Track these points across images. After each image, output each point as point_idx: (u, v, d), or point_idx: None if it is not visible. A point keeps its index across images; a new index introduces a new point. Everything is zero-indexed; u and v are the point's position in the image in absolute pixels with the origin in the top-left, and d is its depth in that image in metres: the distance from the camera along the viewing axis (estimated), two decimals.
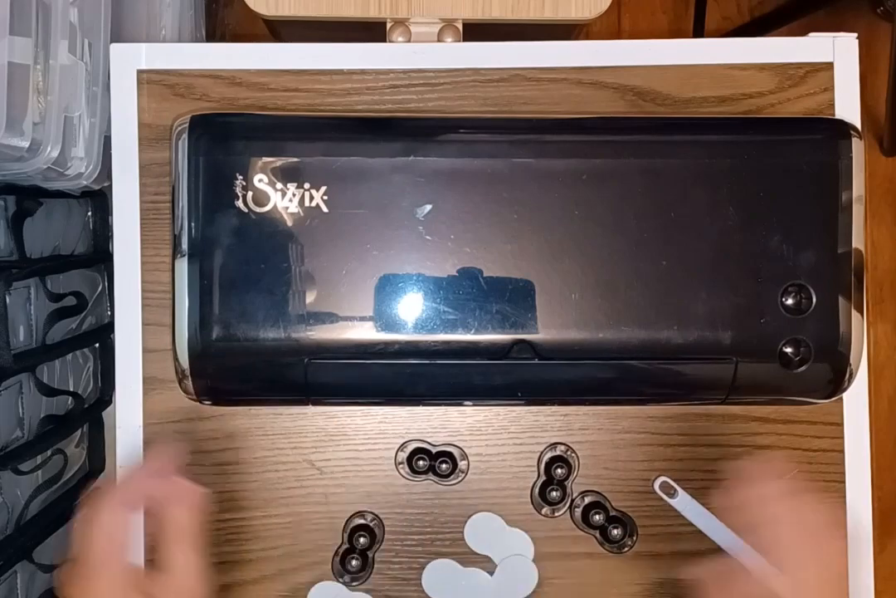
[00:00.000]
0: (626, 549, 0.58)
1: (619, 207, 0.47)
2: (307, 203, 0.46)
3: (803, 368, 0.47)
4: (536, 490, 0.58)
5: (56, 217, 0.84)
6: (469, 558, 0.58)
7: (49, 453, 0.81)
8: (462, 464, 0.57)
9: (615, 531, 0.57)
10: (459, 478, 0.58)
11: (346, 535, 0.57)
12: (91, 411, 0.88)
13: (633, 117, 0.55)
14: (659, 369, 0.48)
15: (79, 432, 0.88)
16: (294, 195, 0.46)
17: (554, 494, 0.57)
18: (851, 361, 0.48)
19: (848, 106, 0.58)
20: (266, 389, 0.49)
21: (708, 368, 0.48)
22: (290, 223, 0.46)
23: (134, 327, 0.56)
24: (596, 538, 0.58)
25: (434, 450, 0.58)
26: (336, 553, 0.58)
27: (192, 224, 0.46)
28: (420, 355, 0.47)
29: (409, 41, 0.68)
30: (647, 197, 0.47)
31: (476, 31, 0.69)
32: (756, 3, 1.37)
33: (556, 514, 0.58)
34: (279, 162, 0.47)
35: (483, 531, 0.58)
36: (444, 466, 0.57)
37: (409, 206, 0.46)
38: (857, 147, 0.49)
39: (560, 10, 0.69)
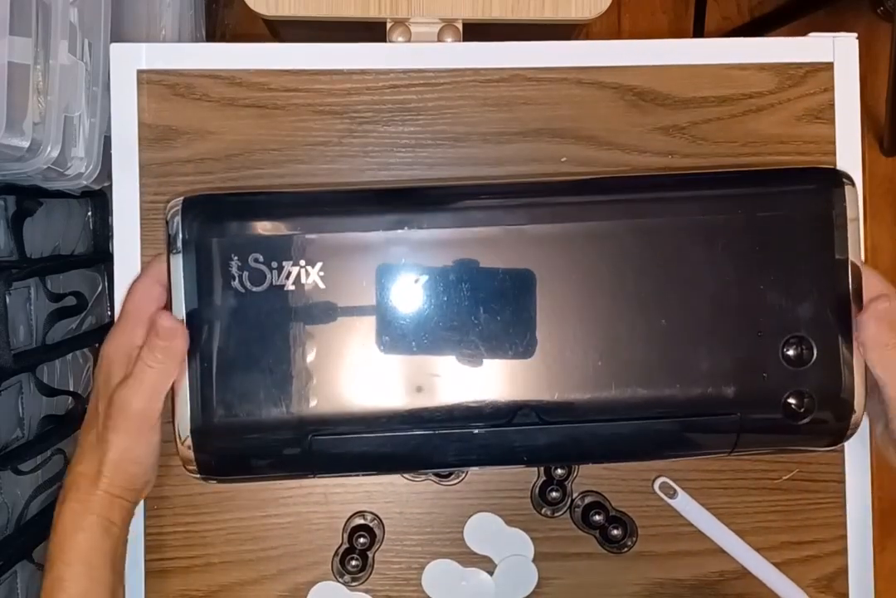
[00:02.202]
0: (625, 549, 0.58)
1: (617, 267, 0.48)
2: (304, 280, 0.46)
3: (807, 419, 0.47)
4: (536, 490, 0.58)
5: (56, 217, 0.84)
6: (469, 558, 0.58)
7: (49, 453, 0.81)
8: None
9: (615, 532, 0.57)
10: (459, 478, 0.58)
11: (345, 535, 0.57)
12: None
13: (625, 177, 0.55)
14: (664, 427, 0.48)
15: (79, 432, 0.88)
16: (290, 273, 0.46)
17: (554, 494, 0.57)
18: (855, 408, 0.48)
19: (848, 106, 0.58)
20: (271, 466, 0.49)
21: (713, 423, 0.48)
22: (286, 301, 0.46)
23: None
24: (596, 538, 0.58)
25: None
26: (336, 553, 0.58)
27: (189, 306, 0.46)
28: (423, 426, 0.47)
29: (409, 41, 0.68)
30: (643, 257, 0.48)
31: (476, 31, 0.69)
32: (756, 3, 1.37)
33: (556, 514, 0.58)
34: (273, 241, 0.47)
35: (483, 532, 0.58)
36: None
37: (407, 279, 0.47)
38: (851, 196, 0.49)
39: (560, 10, 0.69)
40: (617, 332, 0.47)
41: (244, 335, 0.46)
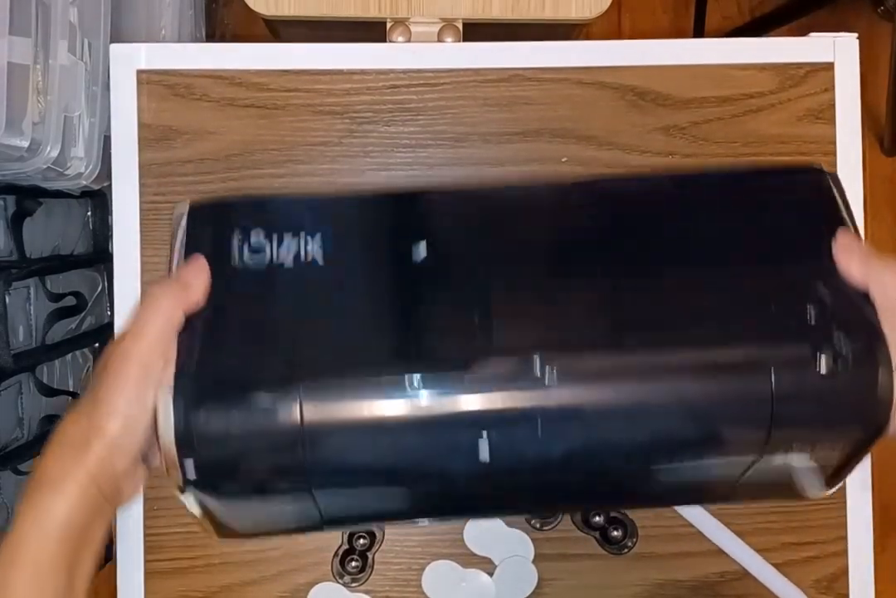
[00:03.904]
0: (626, 550, 0.58)
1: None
2: (303, 256, 0.46)
3: (842, 371, 0.44)
4: None
5: (56, 217, 0.84)
6: (469, 559, 0.58)
7: None
8: None
9: (615, 533, 0.57)
10: None
11: (345, 536, 0.57)
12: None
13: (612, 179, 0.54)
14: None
15: None
16: (290, 248, 0.46)
17: None
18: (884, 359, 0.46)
19: (848, 106, 0.58)
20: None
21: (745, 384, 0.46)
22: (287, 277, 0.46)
23: None
24: (596, 539, 0.58)
25: None
26: (336, 554, 0.57)
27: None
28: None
29: (409, 41, 0.68)
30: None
31: (476, 31, 0.69)
32: (756, 3, 1.37)
33: (545, 528, 0.58)
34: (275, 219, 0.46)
35: (483, 533, 0.58)
36: None
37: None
38: (837, 182, 0.49)
39: (560, 10, 0.69)
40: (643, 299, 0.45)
41: (242, 307, 0.45)
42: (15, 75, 0.63)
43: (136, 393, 0.40)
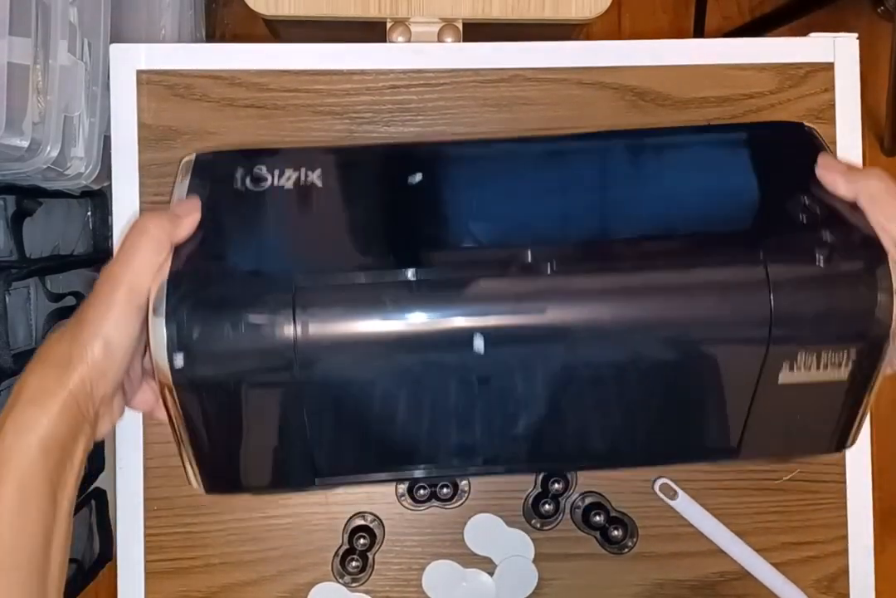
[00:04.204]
0: (626, 550, 0.58)
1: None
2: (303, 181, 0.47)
3: (836, 260, 0.43)
4: (530, 501, 0.58)
5: (56, 217, 0.84)
6: (469, 559, 0.58)
7: None
8: (463, 484, 0.57)
9: (616, 532, 0.57)
10: (462, 499, 0.57)
11: (346, 536, 0.57)
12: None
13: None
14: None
15: None
16: (290, 177, 0.47)
17: (547, 507, 0.57)
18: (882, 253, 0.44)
19: (848, 106, 0.58)
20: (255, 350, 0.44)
21: (742, 274, 0.45)
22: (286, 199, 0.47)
23: None
24: (596, 538, 0.58)
25: None
26: (336, 554, 0.58)
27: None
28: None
29: (409, 41, 0.68)
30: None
31: (476, 31, 0.69)
32: (756, 3, 1.37)
33: (546, 528, 0.58)
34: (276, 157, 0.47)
35: (483, 532, 0.58)
36: (444, 490, 0.57)
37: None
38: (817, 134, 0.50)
39: (560, 10, 0.69)
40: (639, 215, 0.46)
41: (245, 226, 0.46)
42: (15, 75, 0.63)
43: (122, 317, 0.40)
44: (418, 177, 0.47)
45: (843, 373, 0.44)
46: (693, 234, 0.45)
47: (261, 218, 0.46)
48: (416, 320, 0.42)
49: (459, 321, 0.42)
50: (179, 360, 0.41)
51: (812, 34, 0.59)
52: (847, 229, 0.44)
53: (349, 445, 0.47)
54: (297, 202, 0.46)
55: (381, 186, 0.48)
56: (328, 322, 0.42)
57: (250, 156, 0.48)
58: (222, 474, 0.46)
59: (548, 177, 0.48)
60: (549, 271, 0.42)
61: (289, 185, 0.47)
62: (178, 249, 0.43)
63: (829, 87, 0.58)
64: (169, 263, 0.42)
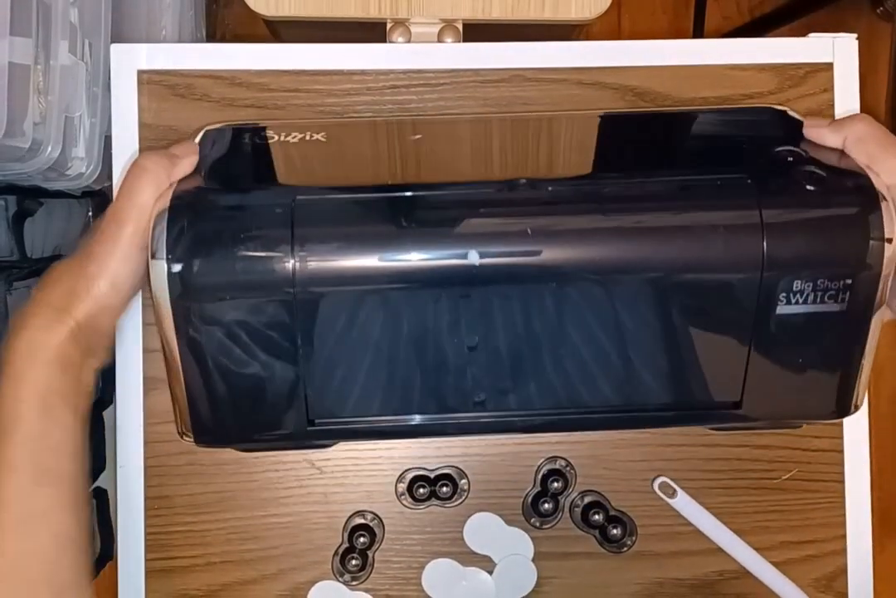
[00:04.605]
0: (625, 549, 0.58)
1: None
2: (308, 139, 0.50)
3: (824, 183, 0.44)
4: (529, 500, 0.58)
5: (57, 217, 0.84)
6: (469, 557, 0.58)
7: None
8: (462, 483, 0.57)
9: (615, 531, 0.57)
10: (462, 498, 0.58)
11: (345, 534, 0.58)
12: (91, 411, 0.88)
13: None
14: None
15: None
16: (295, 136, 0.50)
17: (546, 506, 0.57)
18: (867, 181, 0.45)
19: (848, 106, 0.59)
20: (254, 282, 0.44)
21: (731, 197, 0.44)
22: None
23: (134, 328, 0.56)
24: (595, 537, 0.58)
25: (432, 474, 0.58)
26: (336, 553, 0.58)
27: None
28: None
29: (409, 41, 0.68)
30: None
31: (476, 31, 0.69)
32: (756, 3, 1.37)
33: (545, 526, 0.58)
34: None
35: (482, 531, 0.58)
36: (444, 489, 0.57)
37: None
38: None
39: (560, 11, 0.69)
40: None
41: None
42: (16, 76, 0.63)
43: (128, 254, 0.42)
44: (418, 136, 0.49)
45: (840, 303, 0.44)
46: (689, 176, 0.46)
47: (263, 161, 0.47)
48: (415, 233, 0.42)
49: (456, 241, 0.42)
50: (178, 282, 0.41)
51: (811, 34, 0.59)
52: (837, 171, 0.45)
53: (345, 386, 0.46)
54: (300, 151, 0.48)
55: (384, 143, 0.49)
56: (326, 250, 0.42)
57: (258, 126, 0.50)
58: (214, 422, 0.46)
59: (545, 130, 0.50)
60: (545, 192, 0.43)
61: (294, 140, 0.48)
62: (179, 185, 0.44)
63: (829, 88, 0.58)
64: (169, 197, 0.43)
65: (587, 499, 0.58)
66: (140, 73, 0.57)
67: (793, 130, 0.49)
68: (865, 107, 0.59)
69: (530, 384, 0.47)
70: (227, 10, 1.20)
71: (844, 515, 0.59)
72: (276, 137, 0.49)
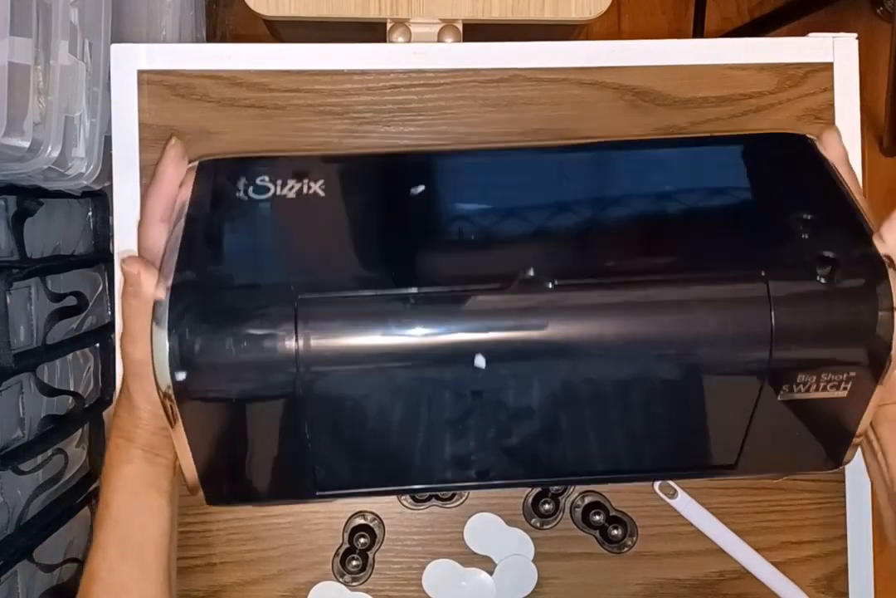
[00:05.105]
0: (626, 549, 0.58)
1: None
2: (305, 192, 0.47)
3: (837, 277, 0.43)
4: (529, 500, 0.58)
5: (57, 217, 0.84)
6: (469, 558, 0.58)
7: (49, 452, 0.81)
8: None
9: (615, 531, 0.57)
10: (462, 498, 0.57)
11: (346, 535, 0.58)
12: (91, 411, 0.88)
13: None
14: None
15: (79, 431, 0.88)
16: (293, 187, 0.47)
17: (547, 506, 0.57)
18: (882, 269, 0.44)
19: (848, 106, 0.58)
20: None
21: (742, 291, 0.43)
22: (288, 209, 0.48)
23: None
24: (596, 537, 0.58)
25: None
26: (336, 553, 0.58)
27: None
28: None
29: (409, 41, 0.68)
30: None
31: (476, 31, 0.69)
32: (756, 3, 1.37)
33: (545, 526, 0.58)
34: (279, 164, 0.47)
35: (483, 532, 0.58)
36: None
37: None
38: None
39: (560, 11, 0.69)
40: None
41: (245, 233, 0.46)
42: (16, 75, 0.63)
43: (153, 388, 0.45)
44: (420, 188, 0.47)
45: (841, 391, 0.44)
46: (694, 251, 0.45)
47: (263, 229, 0.46)
48: (418, 336, 0.42)
49: (461, 337, 0.42)
50: (181, 373, 0.41)
51: (811, 34, 0.59)
52: (849, 245, 0.44)
53: (350, 459, 0.47)
54: (299, 213, 0.46)
55: (383, 198, 0.48)
56: (330, 337, 0.42)
57: (253, 164, 0.48)
58: (223, 487, 0.47)
59: (547, 190, 0.48)
60: (550, 287, 0.42)
61: (291, 194, 0.46)
62: (180, 262, 0.43)
63: (829, 87, 0.58)
64: (172, 276, 0.43)
65: (588, 499, 0.58)
66: (140, 73, 0.57)
67: (811, 167, 0.48)
68: (865, 107, 0.59)
69: (534, 456, 0.47)
70: (227, 10, 1.20)
71: (845, 515, 0.59)
72: (273, 190, 0.46)
